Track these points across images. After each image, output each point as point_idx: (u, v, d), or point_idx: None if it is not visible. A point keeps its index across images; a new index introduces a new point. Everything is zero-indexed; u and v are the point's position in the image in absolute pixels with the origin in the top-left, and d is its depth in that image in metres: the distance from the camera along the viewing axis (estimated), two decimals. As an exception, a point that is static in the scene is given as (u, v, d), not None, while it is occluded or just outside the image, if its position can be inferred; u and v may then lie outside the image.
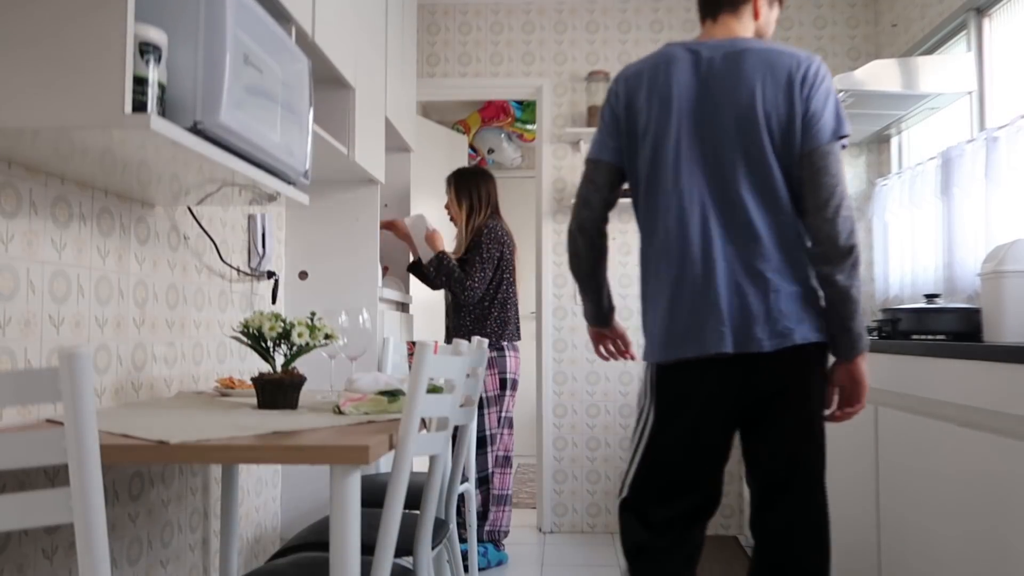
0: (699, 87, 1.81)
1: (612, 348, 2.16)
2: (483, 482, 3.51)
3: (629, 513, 1.87)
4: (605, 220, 1.95)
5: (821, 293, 1.80)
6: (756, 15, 1.91)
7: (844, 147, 1.79)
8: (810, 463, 1.80)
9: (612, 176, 1.92)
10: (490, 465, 3.49)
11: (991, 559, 1.80)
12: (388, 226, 3.55)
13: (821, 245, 1.75)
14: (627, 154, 1.90)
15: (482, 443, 3.48)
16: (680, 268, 1.79)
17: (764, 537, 1.83)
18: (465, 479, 2.61)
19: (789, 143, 1.76)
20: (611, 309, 2.09)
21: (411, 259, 3.68)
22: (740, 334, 1.74)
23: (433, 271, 3.47)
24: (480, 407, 3.45)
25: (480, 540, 3.50)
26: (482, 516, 3.50)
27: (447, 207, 3.68)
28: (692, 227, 1.78)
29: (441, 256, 3.46)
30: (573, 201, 1.97)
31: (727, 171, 1.78)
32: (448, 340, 3.54)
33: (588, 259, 1.97)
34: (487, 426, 3.49)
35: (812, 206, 1.75)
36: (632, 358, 2.19)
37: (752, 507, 1.86)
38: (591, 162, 1.94)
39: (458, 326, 3.52)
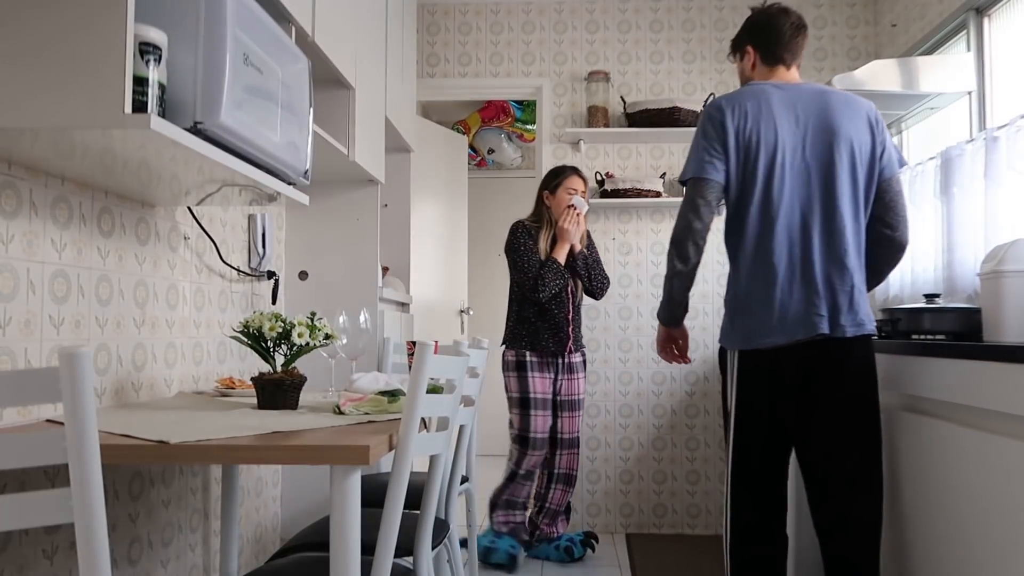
0: (797, 117, 2.17)
1: (676, 350, 2.45)
2: (571, 481, 3.47)
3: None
4: (709, 231, 2.24)
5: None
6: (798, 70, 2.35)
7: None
8: (868, 431, 2.13)
9: (718, 193, 2.20)
10: (577, 466, 3.49)
11: (990, 558, 1.80)
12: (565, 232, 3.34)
13: (894, 249, 2.25)
14: (734, 172, 2.19)
15: (575, 444, 3.45)
16: (788, 267, 2.12)
17: (829, 499, 2.15)
18: (465, 479, 2.61)
19: (870, 168, 2.18)
20: (686, 311, 2.39)
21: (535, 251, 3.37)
22: (832, 320, 2.10)
23: (584, 267, 3.40)
24: (575, 409, 3.44)
25: (559, 535, 3.49)
26: (567, 511, 3.53)
27: (578, 198, 3.39)
28: (794, 232, 2.13)
29: (587, 252, 3.42)
30: (678, 220, 2.22)
31: (828, 185, 2.14)
32: (561, 341, 3.37)
33: (694, 266, 2.24)
34: (578, 428, 3.46)
35: (893, 221, 2.22)
36: (688, 362, 2.49)
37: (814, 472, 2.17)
38: (700, 180, 2.19)
39: (579, 324, 3.46)
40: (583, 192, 3.42)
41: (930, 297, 2.55)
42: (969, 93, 3.09)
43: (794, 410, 2.15)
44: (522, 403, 3.34)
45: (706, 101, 3.97)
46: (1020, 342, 2.11)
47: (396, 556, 1.58)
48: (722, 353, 2.34)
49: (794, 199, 2.14)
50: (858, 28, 4.05)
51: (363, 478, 2.38)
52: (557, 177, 3.45)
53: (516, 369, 3.37)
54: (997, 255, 2.25)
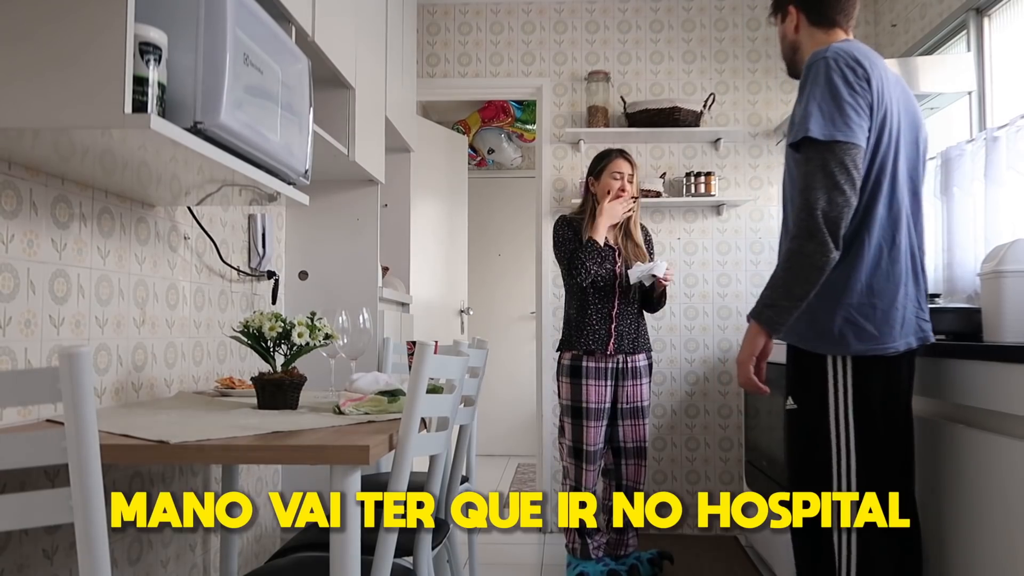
0: (898, 95, 1.89)
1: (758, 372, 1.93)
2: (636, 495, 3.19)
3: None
4: None
5: None
6: None
7: None
8: None
9: (863, 162, 1.79)
10: (644, 477, 3.19)
11: (990, 557, 1.80)
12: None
13: None
14: (871, 143, 1.81)
15: (642, 453, 3.16)
16: (906, 265, 1.88)
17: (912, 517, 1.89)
18: (465, 479, 2.61)
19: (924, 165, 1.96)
20: None
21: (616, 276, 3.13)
22: (929, 325, 1.93)
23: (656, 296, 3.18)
24: (639, 417, 3.14)
25: (628, 553, 3.20)
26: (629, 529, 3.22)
27: (628, 185, 3.16)
28: (906, 224, 1.88)
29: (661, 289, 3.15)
30: (820, 193, 1.75)
31: (913, 176, 1.92)
32: (601, 339, 3.08)
33: (835, 257, 1.78)
34: (647, 436, 3.17)
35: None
36: (767, 392, 1.93)
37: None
38: (852, 146, 1.75)
39: (634, 322, 3.15)
40: (630, 176, 3.15)
41: (930, 297, 2.55)
42: (969, 93, 3.10)
43: (903, 425, 1.88)
44: (574, 412, 3.08)
45: (706, 101, 3.97)
46: (1020, 342, 2.11)
47: (396, 556, 1.58)
48: (808, 360, 1.90)
49: (901, 184, 1.87)
50: (858, 28, 4.03)
51: (363, 478, 2.38)
52: (602, 162, 3.19)
53: (570, 375, 3.10)
54: (997, 255, 2.25)
